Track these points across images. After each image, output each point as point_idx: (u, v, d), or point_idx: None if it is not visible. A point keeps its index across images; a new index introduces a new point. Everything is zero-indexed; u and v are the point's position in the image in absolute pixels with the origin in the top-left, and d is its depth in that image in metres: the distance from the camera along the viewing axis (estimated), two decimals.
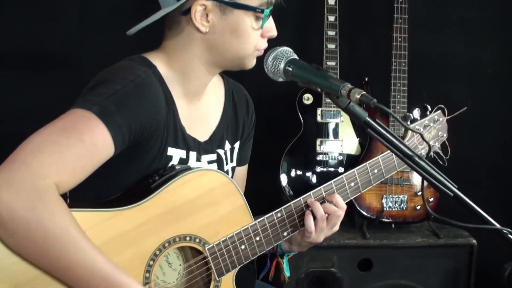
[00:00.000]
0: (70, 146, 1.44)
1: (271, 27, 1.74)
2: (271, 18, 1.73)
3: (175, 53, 1.72)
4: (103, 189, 1.62)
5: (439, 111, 2.04)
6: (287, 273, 1.94)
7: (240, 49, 1.71)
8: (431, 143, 2.02)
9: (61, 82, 3.03)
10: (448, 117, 2.05)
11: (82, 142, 1.46)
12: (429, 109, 2.00)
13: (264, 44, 1.74)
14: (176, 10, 1.67)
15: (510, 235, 1.44)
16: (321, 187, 1.83)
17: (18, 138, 1.45)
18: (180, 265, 1.72)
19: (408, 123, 1.95)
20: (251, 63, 1.76)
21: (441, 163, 1.98)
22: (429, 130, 2.01)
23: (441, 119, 2.04)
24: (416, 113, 1.98)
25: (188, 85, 1.75)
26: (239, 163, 2.01)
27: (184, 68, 1.73)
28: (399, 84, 3.11)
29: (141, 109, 1.57)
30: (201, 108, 1.83)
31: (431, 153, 1.99)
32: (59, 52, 3.19)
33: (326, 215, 1.80)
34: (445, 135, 2.07)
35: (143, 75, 1.62)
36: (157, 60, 1.71)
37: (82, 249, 1.42)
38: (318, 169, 3.15)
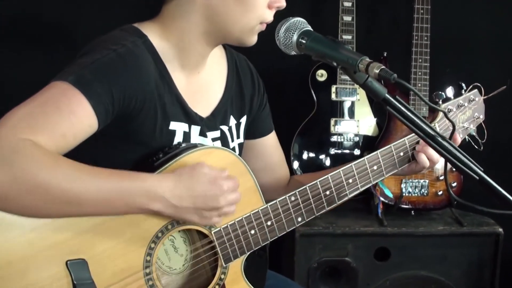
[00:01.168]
0: (45, 114, 1.47)
1: None
2: None
3: (172, 22, 1.73)
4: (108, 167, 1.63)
5: (475, 90, 2.01)
6: (389, 194, 1.94)
7: (243, 20, 1.70)
8: (465, 125, 2.00)
9: (55, 54, 3.04)
10: (486, 97, 2.03)
11: (58, 109, 1.48)
12: (464, 87, 1.98)
13: (270, 17, 1.73)
14: None
15: None
16: (340, 169, 1.83)
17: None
18: (186, 250, 1.73)
19: (440, 102, 1.93)
20: (252, 39, 1.75)
21: (476, 147, 1.96)
22: (463, 111, 1.98)
23: (477, 99, 2.01)
24: (449, 91, 1.94)
25: (184, 57, 1.75)
26: (262, 133, 2.04)
27: (181, 38, 1.73)
28: (420, 60, 3.10)
29: (123, 79, 1.59)
30: (201, 81, 1.83)
31: (466, 136, 1.98)
32: (55, 23, 3.19)
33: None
34: (481, 116, 2.04)
35: (129, 45, 1.63)
36: (151, 30, 1.72)
37: (80, 177, 1.46)
38: (332, 151, 3.15)
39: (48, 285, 1.48)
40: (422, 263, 3.03)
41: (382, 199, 3.03)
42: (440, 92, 1.91)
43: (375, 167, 1.87)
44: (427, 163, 1.86)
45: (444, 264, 3.04)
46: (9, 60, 3.15)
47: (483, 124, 2.03)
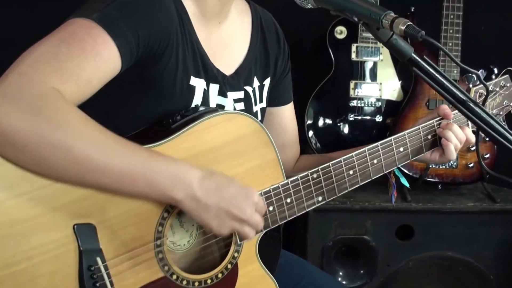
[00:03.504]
0: (71, 55, 1.48)
1: None
2: None
3: None
4: (122, 123, 1.64)
5: (507, 76, 2.03)
6: (405, 183, 1.98)
7: None
8: (495, 111, 2.02)
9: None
10: None
11: (83, 51, 1.49)
12: (496, 71, 1.99)
13: None
14: None
15: None
16: (366, 147, 1.84)
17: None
18: (193, 225, 1.74)
19: (471, 85, 1.94)
20: None
21: None
22: (493, 97, 2.00)
23: (508, 85, 2.03)
24: (480, 75, 1.96)
25: (204, 2, 1.77)
26: (282, 102, 2.06)
27: None
28: (452, 16, 3.08)
29: (149, 17, 1.60)
30: (224, 34, 1.85)
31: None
32: None
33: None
34: (511, 104, 2.06)
35: None
36: None
37: (108, 144, 1.46)
38: (351, 117, 3.16)
39: (52, 249, 1.48)
40: (448, 243, 3.05)
41: (406, 171, 3.06)
42: (470, 75, 1.93)
43: (401, 149, 1.89)
44: (452, 140, 1.87)
45: (473, 245, 3.06)
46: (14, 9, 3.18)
47: None
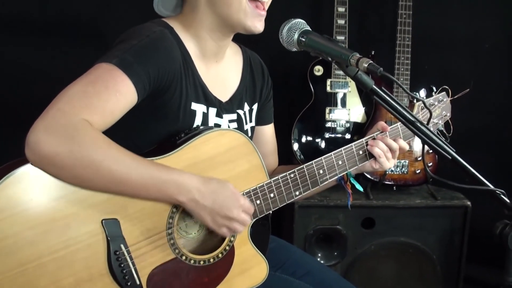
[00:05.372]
0: (97, 93, 1.49)
1: None
2: None
3: (189, 16, 1.76)
4: (135, 144, 1.64)
5: (444, 92, 2.02)
6: (360, 188, 1.93)
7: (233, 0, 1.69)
8: (435, 120, 2.00)
9: (88, 51, 3.03)
10: (452, 98, 2.03)
11: (107, 89, 1.51)
12: (434, 89, 1.99)
13: None
14: None
15: (502, 196, 1.44)
16: (332, 153, 1.83)
17: (49, 100, 1.48)
18: None
19: (415, 101, 1.94)
20: (252, 22, 1.71)
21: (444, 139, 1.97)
22: (433, 109, 1.99)
23: (445, 100, 2.02)
24: (422, 92, 1.96)
25: (204, 45, 1.77)
26: (264, 122, 2.04)
27: (198, 30, 1.75)
28: (403, 58, 3.09)
29: (157, 59, 1.61)
30: (221, 71, 1.85)
31: (436, 131, 1.98)
32: (88, 22, 3.20)
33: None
34: (448, 114, 2.04)
35: (158, 32, 1.66)
36: (175, 23, 1.75)
37: (126, 162, 1.48)
38: (327, 135, 3.14)
39: (86, 239, 1.50)
40: (402, 231, 3.04)
41: (368, 176, 3.06)
42: (415, 93, 1.92)
43: (360, 152, 1.86)
44: (381, 154, 1.84)
45: (421, 232, 3.05)
46: (52, 55, 3.17)
47: (449, 121, 2.04)
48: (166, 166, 1.56)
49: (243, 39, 1.89)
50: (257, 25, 1.72)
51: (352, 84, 3.14)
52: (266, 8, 1.74)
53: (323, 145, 3.14)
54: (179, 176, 1.55)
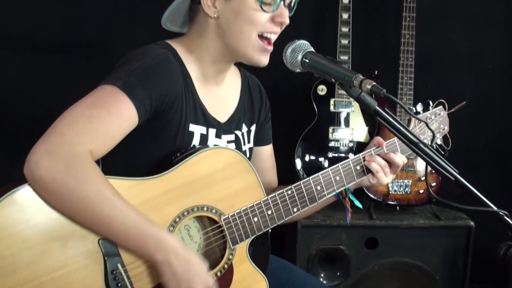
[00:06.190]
0: (100, 117, 1.50)
1: (281, 13, 1.72)
2: (282, 6, 1.72)
3: (194, 39, 1.77)
4: (133, 164, 1.65)
5: (440, 106, 2.03)
6: (359, 204, 1.93)
7: (243, 33, 1.70)
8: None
9: (94, 67, 3.06)
10: (449, 112, 2.03)
11: (109, 113, 1.52)
12: (431, 104, 1.99)
13: (271, 28, 1.71)
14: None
15: (505, 217, 1.44)
16: (329, 169, 1.83)
17: (54, 118, 1.49)
18: (200, 238, 1.74)
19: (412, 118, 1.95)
20: (259, 57, 1.73)
21: (443, 153, 1.96)
22: (431, 123, 1.99)
23: (442, 113, 2.03)
24: (419, 107, 1.97)
25: (205, 69, 1.78)
26: (262, 143, 2.04)
27: (201, 54, 1.76)
28: (406, 78, 3.10)
29: (160, 82, 1.62)
30: (220, 93, 1.86)
31: (434, 144, 1.98)
32: (94, 40, 3.21)
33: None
34: (446, 128, 2.05)
35: (162, 54, 1.67)
36: (178, 45, 1.76)
37: (116, 206, 1.48)
38: (330, 154, 3.15)
39: (83, 259, 1.50)
40: (405, 251, 3.03)
41: (372, 196, 3.06)
42: (411, 107, 1.93)
43: (358, 167, 1.87)
44: (378, 168, 1.84)
45: (424, 252, 3.03)
46: (58, 72, 3.18)
47: (448, 134, 2.04)
48: (153, 222, 1.55)
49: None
50: (263, 59, 1.74)
51: (356, 104, 3.14)
52: (273, 42, 1.75)
53: (326, 164, 3.14)
54: (163, 234, 1.54)
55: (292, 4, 1.76)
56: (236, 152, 1.72)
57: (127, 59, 1.66)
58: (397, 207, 3.13)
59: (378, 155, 1.87)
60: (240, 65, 1.93)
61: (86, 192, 1.44)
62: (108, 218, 1.47)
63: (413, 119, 1.97)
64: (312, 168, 3.11)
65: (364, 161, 1.86)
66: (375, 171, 1.84)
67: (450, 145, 2.00)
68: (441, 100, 2.01)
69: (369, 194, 3.06)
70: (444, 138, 2.03)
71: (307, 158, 3.14)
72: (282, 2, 1.71)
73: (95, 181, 1.46)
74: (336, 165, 1.84)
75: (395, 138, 1.87)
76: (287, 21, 1.73)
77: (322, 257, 3.01)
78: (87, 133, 1.47)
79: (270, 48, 1.74)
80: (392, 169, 1.87)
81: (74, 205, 1.45)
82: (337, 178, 1.84)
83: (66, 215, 1.47)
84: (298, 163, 3.12)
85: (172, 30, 1.85)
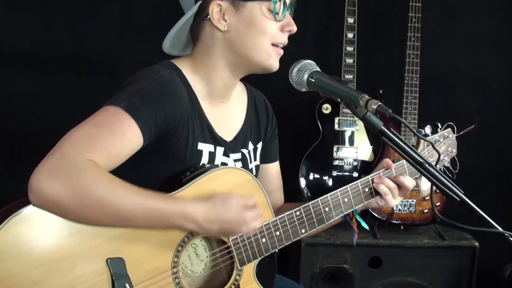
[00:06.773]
0: (103, 136, 1.50)
1: (289, 22, 1.74)
2: (287, 14, 1.74)
3: (201, 57, 1.77)
4: (142, 183, 1.65)
5: (449, 129, 2.01)
6: (365, 226, 1.93)
7: (257, 43, 1.71)
8: (442, 157, 1.99)
9: (100, 86, 3.07)
10: (457, 134, 2.03)
11: (113, 132, 1.51)
12: (440, 126, 1.98)
13: (282, 39, 1.74)
14: (198, 17, 1.74)
15: (511, 238, 1.43)
16: (337, 190, 1.83)
17: (60, 135, 1.49)
18: (207, 257, 1.73)
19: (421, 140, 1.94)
20: (272, 62, 1.75)
21: (450, 176, 1.96)
22: (439, 146, 1.98)
23: (450, 136, 2.01)
24: (427, 129, 1.96)
25: (212, 87, 1.78)
26: (269, 160, 2.04)
27: (208, 72, 1.76)
28: (411, 97, 3.11)
29: (165, 103, 1.61)
30: (226, 110, 1.85)
31: (441, 167, 1.98)
32: (100, 58, 3.24)
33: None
34: (454, 150, 2.03)
35: (166, 75, 1.67)
36: (184, 65, 1.76)
37: (131, 198, 1.48)
38: (334, 173, 3.15)
39: (91, 279, 1.49)
40: (409, 270, 3.02)
41: (376, 215, 3.05)
42: (420, 129, 1.93)
43: (366, 189, 1.86)
44: (386, 191, 1.84)
45: (428, 272, 3.02)
46: (64, 89, 3.20)
47: (455, 157, 2.03)
48: (169, 196, 1.57)
49: (253, 76, 1.89)
50: (275, 63, 1.76)
51: (360, 122, 3.15)
52: None
53: (330, 182, 3.14)
54: (183, 206, 1.55)
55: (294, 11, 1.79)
56: (246, 173, 1.73)
57: (131, 80, 1.66)
58: (401, 226, 3.12)
59: (387, 177, 1.86)
60: (248, 77, 1.93)
61: (97, 196, 1.43)
62: (129, 213, 1.48)
63: (421, 141, 1.96)
64: (317, 187, 3.12)
65: (372, 183, 1.86)
66: (383, 194, 1.84)
67: (458, 168, 1.99)
68: (450, 123, 2.00)
69: (373, 213, 3.06)
70: (452, 160, 2.02)
71: (311, 177, 3.14)
72: (288, 11, 1.74)
73: (102, 182, 1.45)
74: (345, 186, 1.84)
75: (404, 160, 1.86)
76: (295, 28, 1.76)
77: (326, 275, 3.00)
78: (89, 149, 1.46)
79: (281, 51, 1.76)
80: (401, 192, 1.86)
81: (91, 212, 1.44)
82: (346, 199, 1.83)
83: (88, 224, 1.47)
84: (302, 182, 3.12)
85: (173, 54, 1.85)
